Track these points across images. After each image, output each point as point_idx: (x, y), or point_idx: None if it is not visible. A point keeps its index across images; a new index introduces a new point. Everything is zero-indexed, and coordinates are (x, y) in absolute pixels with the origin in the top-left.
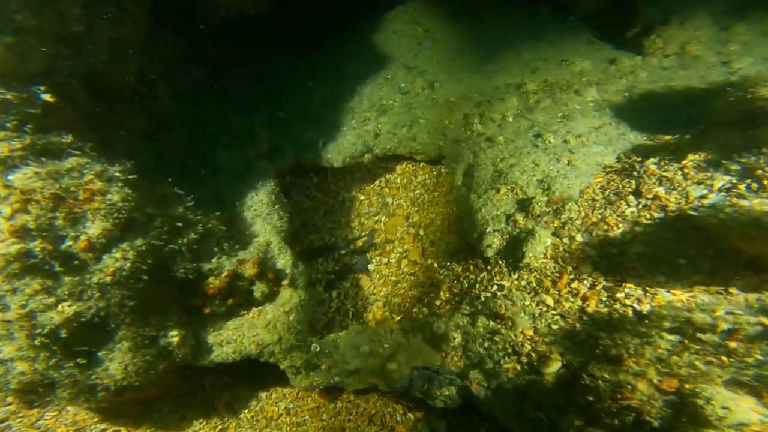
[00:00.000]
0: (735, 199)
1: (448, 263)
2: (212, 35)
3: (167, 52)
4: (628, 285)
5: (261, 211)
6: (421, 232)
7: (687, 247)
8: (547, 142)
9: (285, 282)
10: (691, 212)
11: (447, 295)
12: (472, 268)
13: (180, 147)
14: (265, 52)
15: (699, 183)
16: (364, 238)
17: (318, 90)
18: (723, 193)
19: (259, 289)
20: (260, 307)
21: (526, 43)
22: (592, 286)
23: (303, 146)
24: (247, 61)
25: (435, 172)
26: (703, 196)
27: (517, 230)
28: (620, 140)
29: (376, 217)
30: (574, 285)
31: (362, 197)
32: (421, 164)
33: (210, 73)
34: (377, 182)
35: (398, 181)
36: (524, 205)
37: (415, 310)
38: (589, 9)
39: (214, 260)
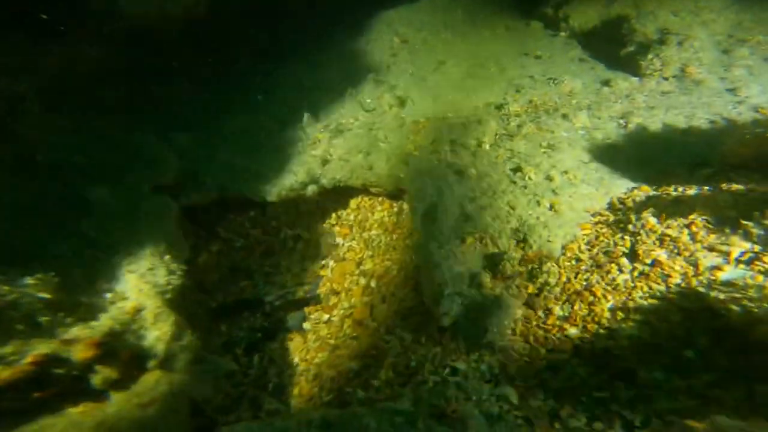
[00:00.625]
0: (760, 277)
1: (398, 329)
2: (132, 43)
3: (42, 68)
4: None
5: (140, 265)
6: (373, 284)
7: (696, 335)
8: (527, 178)
9: (152, 362)
10: (701, 288)
11: (389, 374)
12: (424, 339)
13: (43, 186)
14: (214, 61)
15: (710, 249)
16: (307, 288)
17: (266, 106)
18: (743, 266)
19: (100, 376)
20: (100, 401)
21: (512, 58)
22: None
23: (232, 174)
24: (187, 72)
25: (395, 209)
26: (716, 267)
27: (482, 295)
28: (613, 180)
29: (323, 262)
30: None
31: (308, 236)
32: (380, 198)
33: (124, 89)
34: (328, 219)
35: (352, 217)
36: (494, 262)
37: (348, 389)
38: (581, 25)
39: (11, 343)
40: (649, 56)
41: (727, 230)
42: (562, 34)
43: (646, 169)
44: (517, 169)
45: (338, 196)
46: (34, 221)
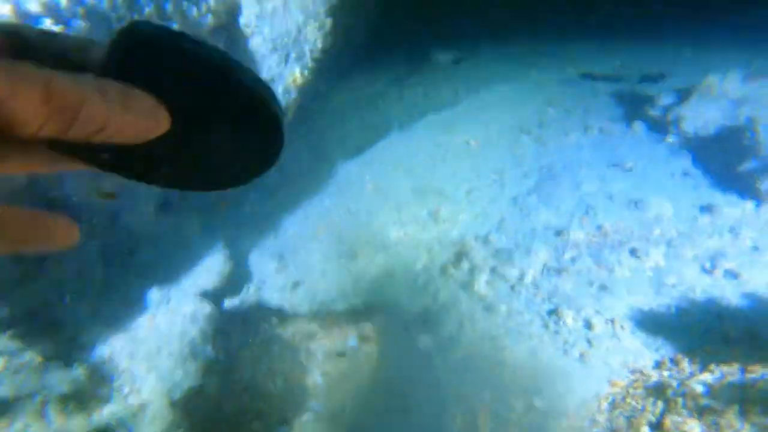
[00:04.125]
0: None
1: None
2: None
3: None
4: None
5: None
6: None
7: None
8: (561, 322)
9: None
10: None
11: None
12: None
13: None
14: None
15: None
16: None
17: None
18: None
19: None
20: None
21: (594, 170)
22: None
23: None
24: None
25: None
26: None
27: None
28: (672, 337)
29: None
30: None
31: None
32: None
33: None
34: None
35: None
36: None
37: None
38: (697, 130)
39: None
40: None
41: None
42: (670, 139)
43: (727, 336)
44: (553, 312)
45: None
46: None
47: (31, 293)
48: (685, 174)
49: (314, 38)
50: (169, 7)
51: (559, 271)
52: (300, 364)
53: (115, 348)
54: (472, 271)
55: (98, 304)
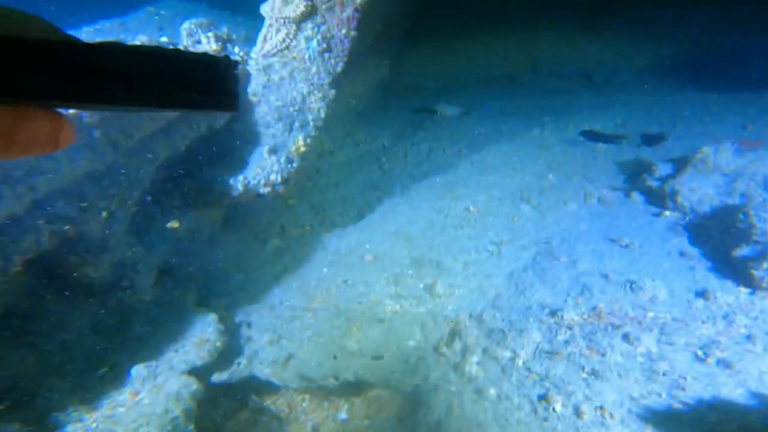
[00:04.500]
0: None
1: None
2: None
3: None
4: None
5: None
6: None
7: None
8: (551, 409)
9: None
10: None
11: None
12: None
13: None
14: None
15: None
16: None
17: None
18: None
19: None
20: None
21: (591, 244)
22: None
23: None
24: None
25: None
26: None
27: None
28: (665, 428)
29: None
30: None
31: None
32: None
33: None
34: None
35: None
36: None
37: None
38: (694, 206)
39: None
40: (766, 265)
41: None
42: (667, 213)
43: (710, 421)
44: (543, 397)
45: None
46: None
47: (13, 365)
48: (682, 254)
49: (318, 108)
50: None
51: (551, 354)
52: None
53: (90, 428)
54: (464, 351)
55: (80, 380)
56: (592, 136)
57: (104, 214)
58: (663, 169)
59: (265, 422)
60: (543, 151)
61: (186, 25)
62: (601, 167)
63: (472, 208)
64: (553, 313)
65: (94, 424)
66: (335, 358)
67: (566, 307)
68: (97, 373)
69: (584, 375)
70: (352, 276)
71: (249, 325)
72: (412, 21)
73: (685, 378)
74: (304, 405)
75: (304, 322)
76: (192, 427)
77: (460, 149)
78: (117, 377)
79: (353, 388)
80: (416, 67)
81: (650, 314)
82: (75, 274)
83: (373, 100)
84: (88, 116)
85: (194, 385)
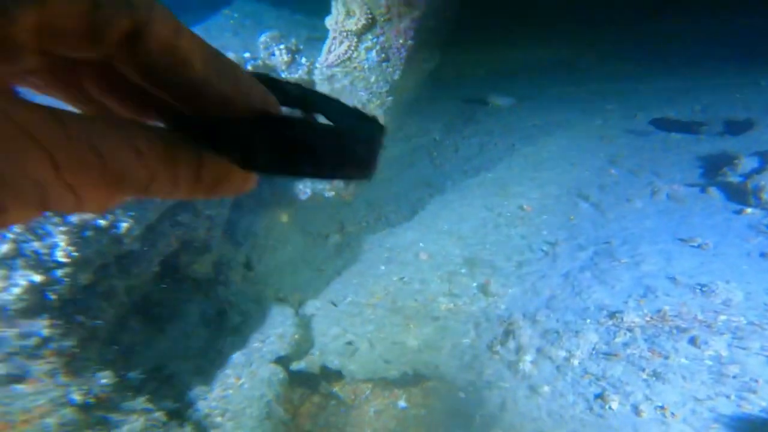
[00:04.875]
0: None
1: None
2: None
3: None
4: None
5: None
6: None
7: None
8: (607, 407)
9: None
10: None
11: None
12: None
13: None
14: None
15: None
16: None
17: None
18: None
19: None
20: None
21: (659, 244)
22: None
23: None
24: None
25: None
26: None
27: None
28: (732, 429)
29: None
30: None
31: None
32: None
33: None
34: None
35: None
36: None
37: None
38: None
39: None
40: None
41: None
42: (749, 210)
43: None
44: (599, 396)
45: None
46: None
47: (155, 353)
48: (763, 255)
49: (376, 115)
50: None
51: (609, 355)
52: (353, 420)
53: (211, 406)
54: (518, 350)
55: (198, 364)
56: (665, 125)
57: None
58: (748, 164)
59: (334, 406)
60: (605, 143)
61: (262, 38)
62: (673, 160)
63: (525, 206)
64: (611, 315)
65: (214, 403)
66: (395, 350)
67: (627, 309)
68: (208, 358)
69: (644, 376)
70: (407, 274)
71: (319, 319)
72: (461, 4)
73: (757, 381)
74: (367, 393)
75: (365, 318)
76: (281, 409)
77: (513, 143)
78: (222, 363)
79: (411, 380)
80: (465, 54)
81: (722, 317)
82: (187, 272)
83: (422, 92)
84: None
85: (281, 373)
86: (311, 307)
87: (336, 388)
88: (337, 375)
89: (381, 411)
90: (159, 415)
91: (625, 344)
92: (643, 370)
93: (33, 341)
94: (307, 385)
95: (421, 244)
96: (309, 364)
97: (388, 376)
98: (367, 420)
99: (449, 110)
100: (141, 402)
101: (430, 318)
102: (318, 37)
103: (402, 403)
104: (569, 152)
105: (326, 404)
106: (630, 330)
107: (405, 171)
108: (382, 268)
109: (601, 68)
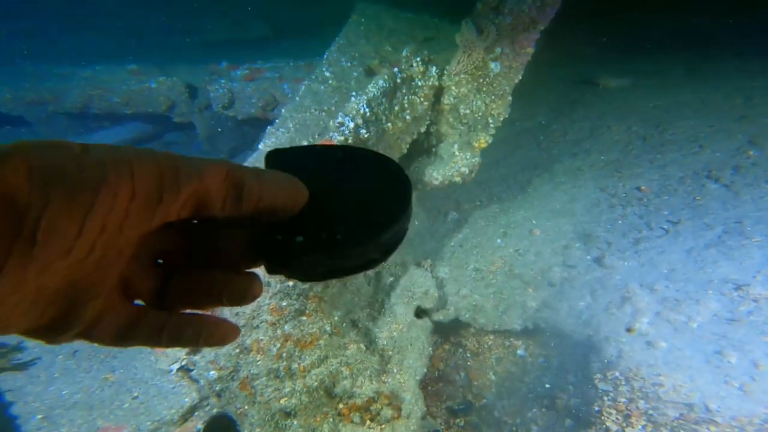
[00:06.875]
0: None
1: None
2: None
3: None
4: None
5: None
6: None
7: None
8: (725, 361)
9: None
10: None
11: None
12: None
13: None
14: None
15: None
16: None
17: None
18: None
19: None
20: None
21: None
22: None
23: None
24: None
25: None
26: None
27: None
28: None
29: None
30: None
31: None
32: None
33: None
34: None
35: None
36: None
37: None
38: None
39: None
40: None
41: None
42: None
43: None
44: (718, 351)
45: None
46: None
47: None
48: None
49: (498, 113)
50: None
51: (731, 321)
52: (478, 364)
53: (385, 339)
54: (635, 313)
55: (370, 312)
56: None
57: None
58: None
59: (461, 353)
60: (745, 123)
61: (404, 53)
62: None
63: (643, 187)
64: (737, 287)
65: (385, 341)
66: (516, 308)
67: (754, 283)
68: (374, 305)
69: (766, 339)
70: (522, 246)
71: (449, 282)
72: None
73: None
74: (489, 343)
75: (487, 282)
76: (431, 349)
77: (629, 126)
78: (385, 312)
79: (531, 333)
80: (570, 29)
81: None
82: None
83: (525, 73)
84: None
85: (429, 323)
86: (441, 272)
87: (463, 338)
88: (466, 326)
89: (501, 358)
90: (361, 345)
91: (749, 312)
92: (766, 334)
93: None
94: (439, 334)
95: (533, 221)
96: (444, 316)
97: (509, 328)
98: (489, 365)
99: (553, 92)
100: (353, 335)
101: (547, 284)
102: (432, 37)
103: (521, 352)
104: (699, 133)
105: (455, 350)
106: (756, 301)
107: (512, 154)
108: (498, 241)
109: (744, 40)
